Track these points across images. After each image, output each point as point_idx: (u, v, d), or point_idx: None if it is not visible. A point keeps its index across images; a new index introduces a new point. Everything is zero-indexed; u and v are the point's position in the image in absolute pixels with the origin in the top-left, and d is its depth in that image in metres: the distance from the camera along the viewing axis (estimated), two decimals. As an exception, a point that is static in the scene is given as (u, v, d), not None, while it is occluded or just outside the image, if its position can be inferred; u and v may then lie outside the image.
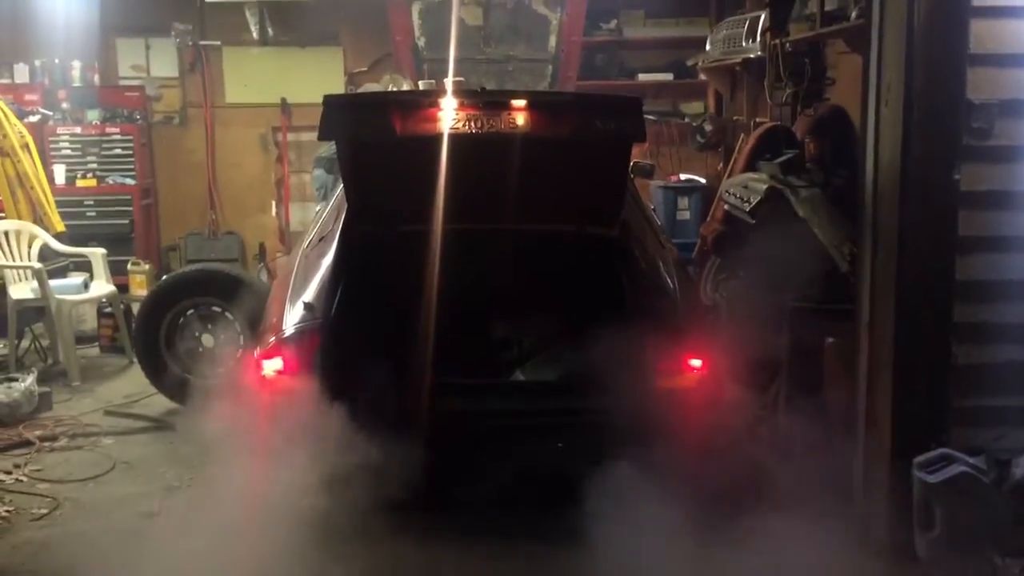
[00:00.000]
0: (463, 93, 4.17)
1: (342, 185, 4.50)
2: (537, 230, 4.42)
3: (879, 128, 3.60)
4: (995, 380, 3.52)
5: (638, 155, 6.40)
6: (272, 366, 3.92)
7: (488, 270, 4.36)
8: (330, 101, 3.92)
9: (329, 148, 6.36)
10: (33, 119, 8.30)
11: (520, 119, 3.89)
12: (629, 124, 3.89)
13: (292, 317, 4.04)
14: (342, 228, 4.32)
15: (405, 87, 6.96)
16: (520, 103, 3.91)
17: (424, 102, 4.02)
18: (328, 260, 4.24)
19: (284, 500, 3.97)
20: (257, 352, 4.05)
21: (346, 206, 4.35)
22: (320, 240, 4.54)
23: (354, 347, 3.99)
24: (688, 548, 3.80)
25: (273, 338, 4.00)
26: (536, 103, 3.97)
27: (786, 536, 3.69)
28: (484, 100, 3.98)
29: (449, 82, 5.42)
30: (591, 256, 4.39)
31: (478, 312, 4.42)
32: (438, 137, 3.89)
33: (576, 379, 4.18)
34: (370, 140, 4.01)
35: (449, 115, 3.88)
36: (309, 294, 4.11)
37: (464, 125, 3.90)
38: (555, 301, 4.48)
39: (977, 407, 3.53)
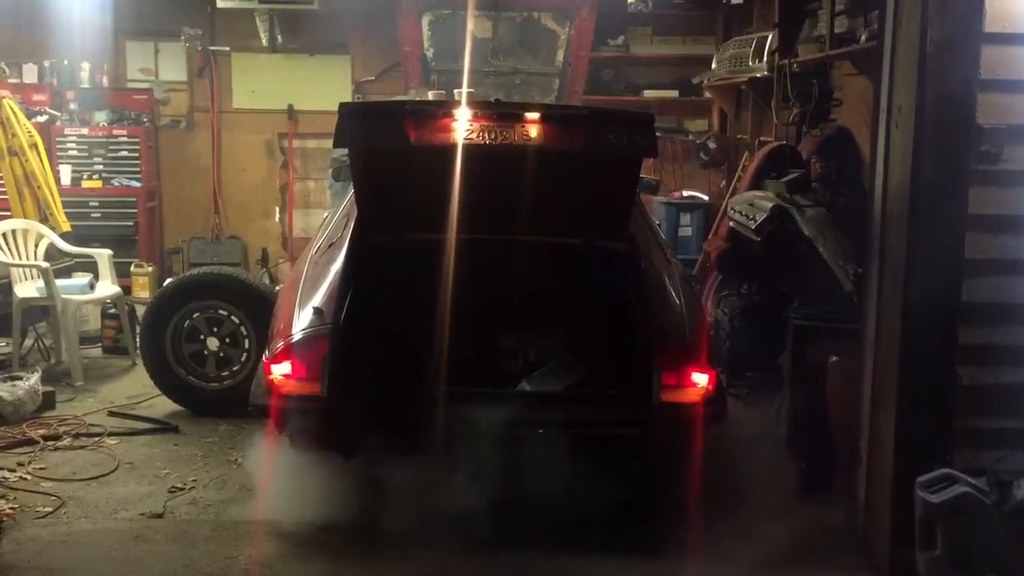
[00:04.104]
0: (478, 104, 4.20)
1: (352, 192, 4.53)
2: (546, 242, 4.45)
3: (889, 150, 3.64)
4: (999, 402, 3.56)
5: (643, 170, 6.45)
6: (280, 370, 3.93)
7: (496, 280, 4.38)
8: (345, 109, 3.95)
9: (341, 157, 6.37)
10: (41, 119, 8.28)
11: (533, 132, 3.91)
12: (641, 139, 3.92)
13: (301, 322, 4.05)
14: (352, 235, 4.34)
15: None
16: (534, 116, 3.94)
17: (439, 112, 4.04)
18: (337, 266, 4.26)
19: (290, 504, 4.00)
20: (265, 356, 4.08)
21: (356, 213, 4.38)
22: (329, 246, 4.56)
23: (363, 353, 4.02)
24: (688, 564, 3.83)
25: (282, 343, 4.01)
26: (550, 116, 3.99)
27: (787, 552, 3.73)
28: (498, 112, 4.00)
29: (463, 93, 5.44)
30: (598, 269, 4.42)
31: (486, 321, 4.45)
32: (451, 147, 3.92)
33: (582, 390, 4.21)
34: (384, 148, 4.03)
35: (463, 126, 3.91)
36: (318, 300, 4.13)
37: (478, 136, 3.92)
38: (562, 312, 4.51)
39: (980, 428, 3.56)
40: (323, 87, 8.86)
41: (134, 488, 4.49)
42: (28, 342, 6.51)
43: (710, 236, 7.37)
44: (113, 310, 6.68)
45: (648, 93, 8.97)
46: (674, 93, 9.02)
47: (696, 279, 6.76)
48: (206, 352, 5.53)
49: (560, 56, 8.18)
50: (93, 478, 4.59)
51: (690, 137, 8.97)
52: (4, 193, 6.95)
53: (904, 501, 3.49)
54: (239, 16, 8.82)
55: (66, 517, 4.16)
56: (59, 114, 8.70)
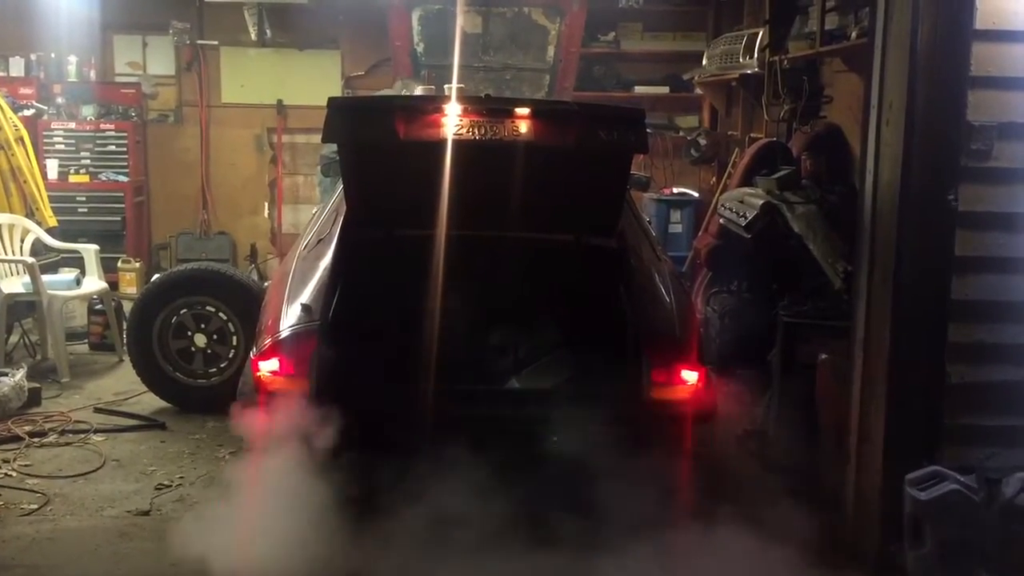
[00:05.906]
0: (467, 99, 4.18)
1: (341, 187, 4.50)
2: (535, 238, 4.43)
3: (879, 147, 3.63)
4: (988, 399, 3.56)
5: (633, 167, 6.44)
6: (268, 367, 3.91)
7: (485, 277, 4.36)
8: (334, 104, 3.93)
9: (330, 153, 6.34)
10: (27, 113, 8.25)
11: (523, 127, 3.89)
12: (632, 135, 3.90)
13: (289, 319, 4.02)
14: (341, 231, 4.31)
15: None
16: (524, 111, 3.92)
17: (428, 107, 4.02)
18: (326, 263, 4.23)
19: (276, 501, 3.97)
20: (253, 353, 4.05)
21: (345, 208, 4.35)
22: (318, 242, 4.53)
23: (351, 350, 3.99)
24: (677, 560, 3.82)
25: (269, 339, 3.98)
26: (540, 112, 3.98)
27: (776, 549, 3.72)
28: (488, 107, 3.98)
29: (453, 88, 5.41)
30: (588, 265, 4.40)
31: (475, 318, 4.43)
32: (441, 143, 3.89)
33: (571, 387, 4.19)
34: (373, 144, 4.01)
35: (453, 121, 3.89)
36: (306, 296, 4.10)
37: (467, 131, 3.89)
38: (552, 309, 4.49)
39: (969, 426, 3.56)
40: (313, 82, 8.84)
41: (120, 485, 4.46)
42: (14, 338, 6.47)
43: (700, 233, 7.36)
44: (100, 306, 6.64)
45: (639, 89, 8.96)
46: (665, 89, 9.02)
47: (686, 276, 6.76)
48: (193, 349, 5.50)
49: (551, 52, 8.15)
50: (79, 475, 4.56)
51: (681, 133, 8.97)
52: (-10, 187, 6.90)
53: (893, 498, 3.49)
54: (228, 10, 8.79)
55: (51, 514, 4.13)
56: (46, 108, 8.66)
